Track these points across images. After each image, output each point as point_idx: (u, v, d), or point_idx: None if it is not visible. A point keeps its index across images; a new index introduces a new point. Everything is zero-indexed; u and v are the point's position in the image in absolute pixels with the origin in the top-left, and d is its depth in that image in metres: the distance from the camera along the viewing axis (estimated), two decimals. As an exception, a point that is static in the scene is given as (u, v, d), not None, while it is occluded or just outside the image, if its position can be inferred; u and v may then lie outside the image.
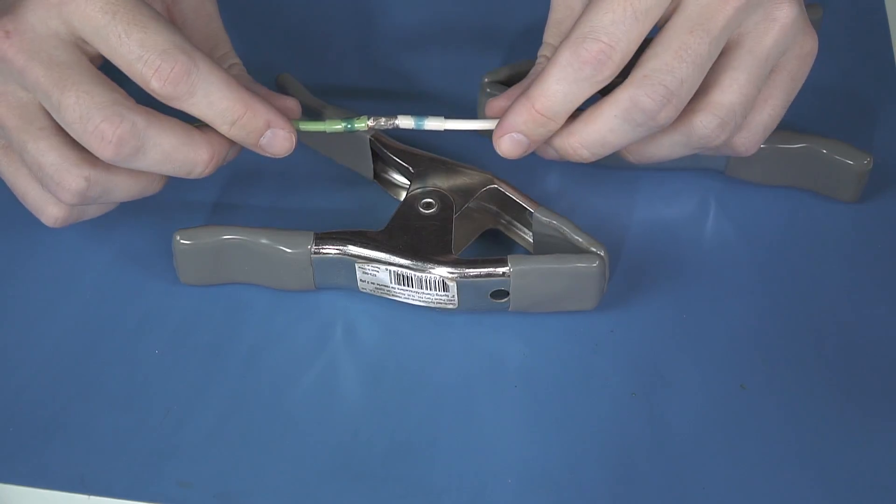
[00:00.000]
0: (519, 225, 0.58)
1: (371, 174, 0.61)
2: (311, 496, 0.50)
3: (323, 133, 0.61)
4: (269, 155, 0.53)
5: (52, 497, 0.50)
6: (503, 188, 0.57)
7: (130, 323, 0.56)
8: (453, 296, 0.54)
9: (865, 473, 0.50)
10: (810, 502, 0.50)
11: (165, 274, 0.57)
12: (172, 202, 0.60)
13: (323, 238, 0.55)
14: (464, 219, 0.58)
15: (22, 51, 0.50)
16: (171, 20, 0.56)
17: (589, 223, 0.56)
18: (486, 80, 0.62)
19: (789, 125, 0.60)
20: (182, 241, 0.55)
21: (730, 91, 0.52)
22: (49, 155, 0.51)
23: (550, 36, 0.57)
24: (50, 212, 0.53)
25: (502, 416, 0.52)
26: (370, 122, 0.55)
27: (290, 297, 0.56)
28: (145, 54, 0.49)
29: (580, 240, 0.54)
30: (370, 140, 0.59)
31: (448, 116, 0.55)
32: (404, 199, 0.57)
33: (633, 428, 0.52)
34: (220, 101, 0.51)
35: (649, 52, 0.51)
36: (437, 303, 0.55)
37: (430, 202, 0.56)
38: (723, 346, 0.55)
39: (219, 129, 0.52)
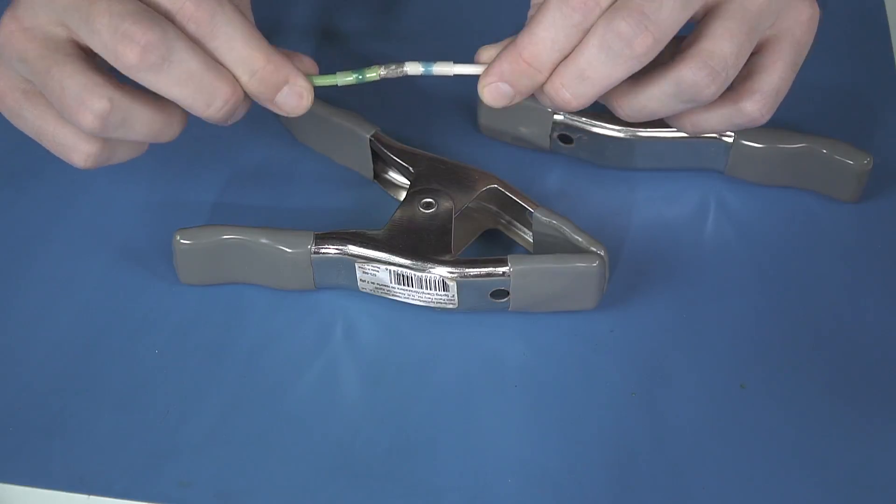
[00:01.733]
0: (519, 225, 0.58)
1: (371, 174, 0.61)
2: (311, 496, 0.50)
3: (323, 133, 0.61)
4: (282, 112, 0.52)
5: (52, 497, 0.50)
6: (503, 188, 0.57)
7: (130, 323, 0.56)
8: (453, 296, 0.54)
9: (865, 473, 0.50)
10: (810, 502, 0.50)
11: (165, 274, 0.57)
12: (172, 202, 0.60)
13: (323, 238, 0.55)
14: (464, 219, 0.58)
15: None
16: None
17: (589, 223, 0.56)
18: (486, 80, 0.61)
19: (789, 125, 0.60)
20: (182, 241, 0.55)
21: (720, 39, 0.50)
22: (74, 76, 0.49)
23: None
24: (81, 148, 0.52)
25: (502, 416, 0.52)
26: (381, 72, 0.53)
27: (290, 297, 0.56)
28: None
29: (580, 239, 0.54)
30: (370, 140, 0.59)
31: (456, 62, 0.53)
32: (404, 199, 0.57)
33: (633, 428, 0.52)
34: (242, 48, 0.50)
35: (700, 31, 0.50)
36: (437, 303, 0.55)
37: (430, 202, 0.56)
38: (723, 346, 0.55)
39: (239, 78, 0.51)
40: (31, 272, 0.58)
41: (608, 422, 0.52)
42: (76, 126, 0.50)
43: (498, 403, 0.53)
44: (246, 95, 0.52)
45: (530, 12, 0.55)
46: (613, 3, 0.50)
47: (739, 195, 0.61)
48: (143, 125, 0.51)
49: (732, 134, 0.59)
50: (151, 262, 0.58)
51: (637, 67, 0.50)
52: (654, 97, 0.52)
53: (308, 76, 0.53)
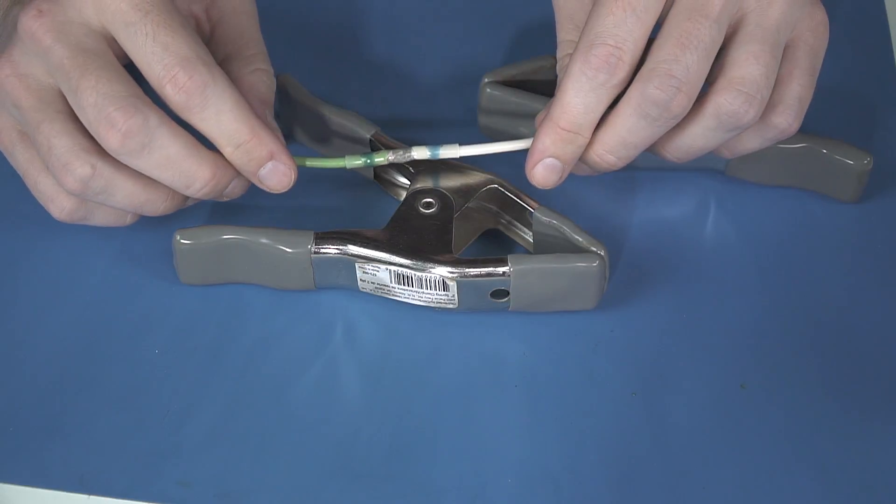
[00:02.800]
0: (519, 225, 0.58)
1: (371, 174, 0.61)
2: (311, 496, 0.50)
3: (323, 133, 0.61)
4: (266, 188, 0.53)
5: (52, 497, 0.50)
6: (503, 188, 0.57)
7: (130, 323, 0.56)
8: (453, 295, 0.54)
9: (865, 473, 0.50)
10: (810, 502, 0.50)
11: (165, 274, 0.57)
12: (172, 202, 0.60)
13: (323, 238, 0.55)
14: (464, 219, 0.58)
15: (51, 31, 0.50)
16: (209, 16, 0.57)
17: (589, 223, 0.56)
18: (486, 80, 0.62)
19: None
20: (182, 241, 0.55)
21: (746, 64, 0.51)
22: (62, 137, 0.51)
23: (565, 33, 0.56)
24: (59, 202, 0.53)
25: (502, 416, 0.52)
26: (390, 157, 0.55)
27: (290, 297, 0.56)
28: (167, 58, 0.49)
29: (580, 239, 0.54)
30: (370, 140, 0.59)
31: (462, 143, 0.55)
32: (404, 199, 0.57)
33: (633, 428, 0.52)
34: (229, 121, 0.51)
35: (653, 46, 0.51)
36: (438, 302, 0.55)
37: (430, 202, 0.56)
38: (723, 346, 0.55)
39: (222, 150, 0.52)
40: (31, 272, 0.58)
41: (608, 422, 0.52)
42: (60, 185, 0.52)
43: (498, 403, 0.53)
44: (234, 174, 0.53)
45: (558, 66, 0.56)
46: (640, 69, 0.51)
47: (739, 195, 0.61)
48: (125, 196, 0.52)
49: (732, 134, 0.59)
50: (151, 262, 0.58)
51: (674, 125, 0.52)
52: (698, 136, 0.53)
53: (315, 158, 0.55)
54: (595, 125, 0.52)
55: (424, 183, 0.57)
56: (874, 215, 0.60)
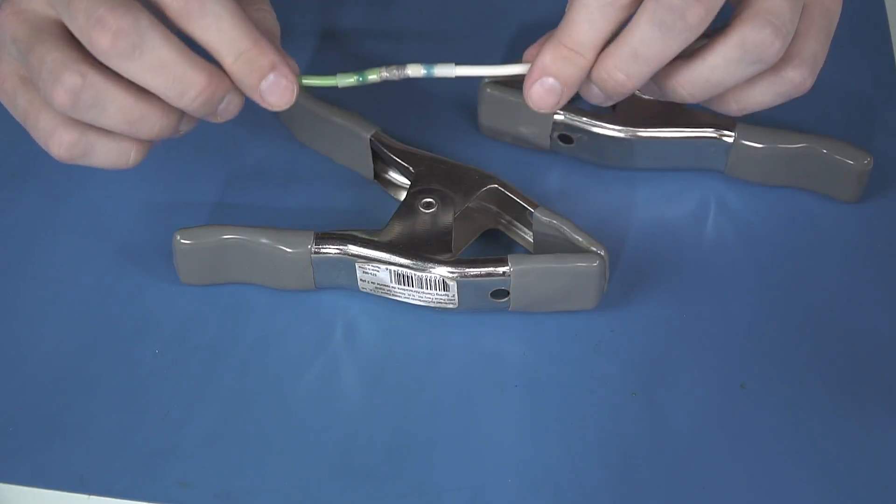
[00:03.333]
0: (519, 225, 0.58)
1: (371, 174, 0.61)
2: (311, 496, 0.50)
3: (323, 133, 0.61)
4: (266, 104, 0.51)
5: (52, 497, 0.50)
6: (503, 188, 0.57)
7: (130, 323, 0.56)
8: (453, 295, 0.54)
9: (865, 473, 0.50)
10: (810, 502, 0.50)
11: (165, 274, 0.57)
12: (172, 202, 0.60)
13: (323, 238, 0.55)
14: (464, 219, 0.58)
15: None
16: None
17: (589, 223, 0.56)
18: (487, 80, 0.62)
19: (789, 125, 0.60)
20: (182, 241, 0.55)
21: None
22: (51, 52, 0.49)
23: None
24: (59, 135, 0.51)
25: (502, 416, 0.52)
26: (383, 73, 0.52)
27: (290, 297, 0.56)
28: None
29: (580, 239, 0.54)
30: (370, 140, 0.59)
31: (458, 63, 0.52)
32: (404, 199, 0.57)
33: (633, 428, 0.52)
34: (229, 28, 0.49)
35: None
36: (438, 302, 0.55)
37: (430, 202, 0.56)
38: (723, 346, 0.55)
39: (222, 61, 0.50)
40: (31, 272, 0.58)
41: (608, 422, 0.52)
42: (51, 103, 0.50)
43: (498, 403, 0.53)
44: (236, 89, 0.51)
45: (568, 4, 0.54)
46: (739, 13, 0.49)
47: (739, 195, 0.61)
48: (118, 110, 0.50)
49: (733, 133, 0.59)
50: (151, 262, 0.58)
51: (691, 40, 0.49)
52: (719, 67, 0.51)
53: (307, 76, 0.52)
54: (600, 48, 0.50)
55: (424, 183, 0.57)
56: (874, 215, 0.60)
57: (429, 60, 0.53)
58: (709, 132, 0.59)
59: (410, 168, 0.58)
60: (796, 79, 0.52)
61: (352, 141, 0.60)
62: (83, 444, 0.51)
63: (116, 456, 0.51)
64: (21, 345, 0.55)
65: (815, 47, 0.52)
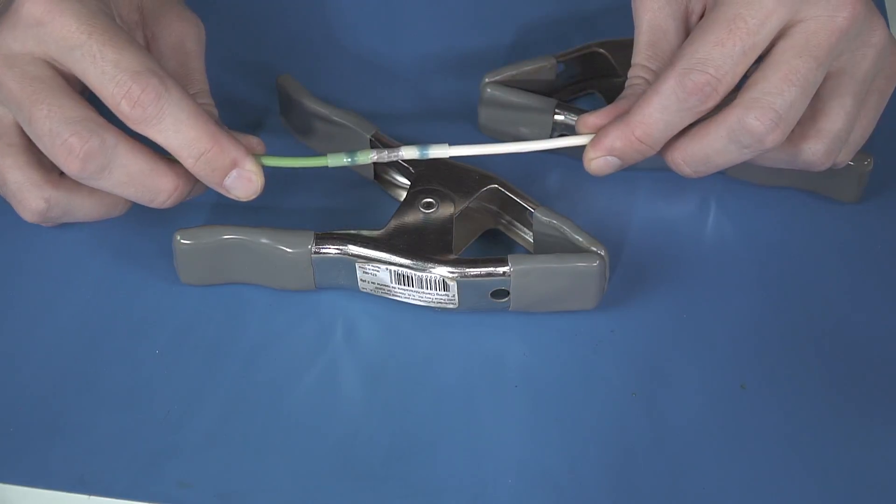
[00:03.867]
0: (519, 225, 0.58)
1: (371, 174, 0.61)
2: (311, 496, 0.50)
3: (323, 133, 0.61)
4: (232, 197, 0.53)
5: (52, 497, 0.50)
6: (503, 188, 0.57)
7: (130, 323, 0.56)
8: (454, 295, 0.54)
9: (865, 473, 0.50)
10: (810, 502, 0.50)
11: (165, 274, 0.57)
12: (172, 202, 0.60)
13: (323, 238, 0.55)
14: (464, 219, 0.58)
15: None
16: (149, 51, 0.56)
17: (589, 223, 0.56)
18: (487, 80, 0.62)
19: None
20: (182, 241, 0.55)
21: (838, 118, 0.52)
22: (13, 172, 0.52)
23: (643, 58, 0.56)
24: (26, 204, 0.53)
25: (502, 416, 0.52)
26: (373, 156, 0.54)
27: (290, 297, 0.56)
28: (118, 74, 0.49)
29: (580, 239, 0.54)
30: (370, 140, 0.59)
31: (451, 143, 0.54)
32: (404, 199, 0.57)
33: (633, 428, 0.52)
34: (187, 130, 0.50)
35: (758, 76, 0.51)
36: (438, 302, 0.55)
37: (430, 202, 0.56)
38: (723, 346, 0.55)
39: (184, 163, 0.51)
40: (31, 272, 0.58)
41: (608, 422, 0.52)
42: (18, 213, 0.53)
43: (498, 403, 0.53)
44: (197, 180, 0.53)
45: (631, 81, 0.56)
46: (741, 95, 0.51)
47: (739, 195, 0.61)
48: (86, 213, 0.54)
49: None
50: (151, 262, 0.58)
51: (761, 154, 0.52)
52: (768, 161, 0.54)
53: (296, 158, 0.54)
54: (666, 140, 0.53)
55: (424, 183, 0.57)
56: (874, 215, 0.60)
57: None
58: (709, 132, 0.59)
59: (410, 168, 0.58)
60: (811, 157, 0.54)
61: (352, 141, 0.60)
62: (83, 444, 0.51)
63: (116, 456, 0.51)
64: (21, 345, 0.55)
65: (860, 140, 0.55)
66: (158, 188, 0.52)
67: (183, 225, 0.55)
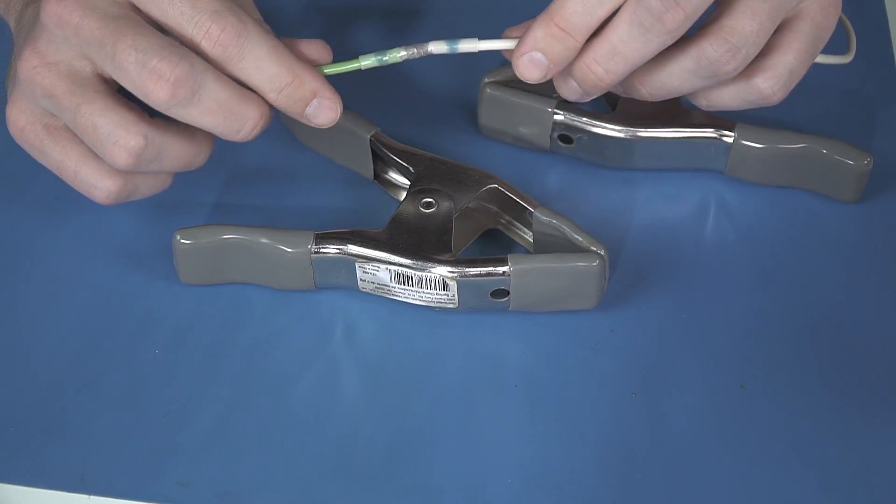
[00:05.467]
0: (519, 224, 0.58)
1: (371, 174, 0.61)
2: (311, 496, 0.50)
3: (323, 133, 0.61)
4: (313, 125, 0.53)
5: (52, 497, 0.50)
6: (503, 188, 0.57)
7: (130, 323, 0.56)
8: (453, 295, 0.54)
9: (865, 473, 0.50)
10: (810, 502, 0.50)
11: (165, 274, 0.57)
12: (172, 202, 0.60)
13: (323, 237, 0.55)
14: (464, 219, 0.58)
15: (77, 9, 0.49)
16: None
17: (589, 223, 0.56)
18: (487, 80, 0.62)
19: (789, 125, 0.60)
20: (182, 241, 0.55)
21: (742, 16, 0.51)
22: (106, 114, 0.50)
23: None
24: (104, 185, 0.52)
25: (502, 416, 0.52)
26: (402, 53, 0.54)
27: (290, 297, 0.56)
28: (196, 15, 0.49)
29: (580, 239, 0.54)
30: (370, 140, 0.59)
31: (481, 38, 0.53)
32: (404, 199, 0.57)
33: (633, 428, 0.52)
34: (269, 66, 0.50)
35: (721, 9, 0.50)
36: (438, 302, 0.55)
37: (430, 202, 0.56)
38: (723, 346, 0.55)
39: (265, 96, 0.51)
40: (32, 272, 0.58)
41: (608, 422, 0.52)
42: (109, 162, 0.51)
43: (498, 403, 0.53)
44: (272, 110, 0.52)
45: None
46: (704, 27, 0.50)
47: (739, 195, 0.61)
48: (175, 157, 0.52)
49: (733, 134, 0.59)
50: (151, 262, 0.58)
51: (668, 43, 0.50)
52: (675, 74, 0.52)
53: (330, 65, 0.53)
54: (589, 33, 0.51)
55: (424, 183, 0.57)
56: (874, 215, 0.60)
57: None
58: (709, 132, 0.59)
59: (410, 168, 0.58)
60: (766, 91, 0.53)
61: (352, 141, 0.60)
62: (83, 444, 0.51)
63: (116, 456, 0.51)
64: (21, 345, 0.55)
65: (794, 63, 0.53)
66: (246, 115, 0.51)
67: (183, 225, 0.55)
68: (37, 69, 0.51)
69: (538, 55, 0.52)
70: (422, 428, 0.52)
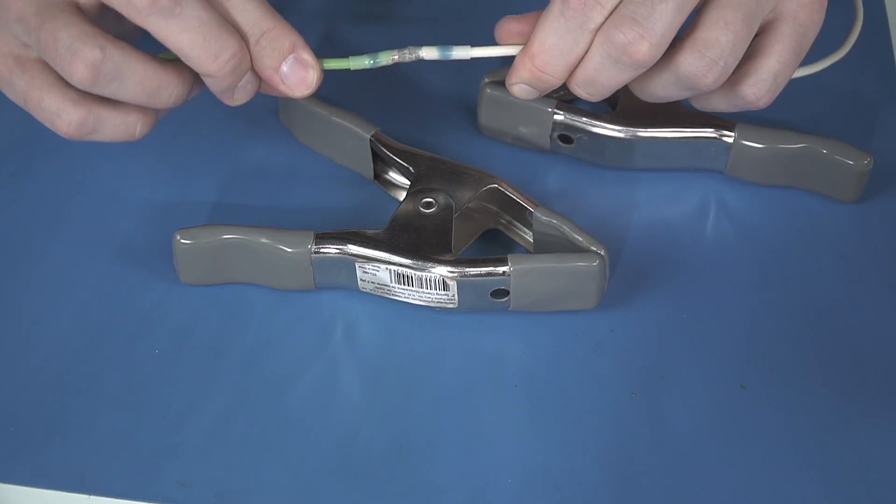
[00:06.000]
0: (519, 224, 0.58)
1: (371, 174, 0.61)
2: (311, 496, 0.50)
3: (323, 133, 0.61)
4: (287, 90, 0.52)
5: (52, 497, 0.50)
6: (503, 188, 0.57)
7: (130, 323, 0.56)
8: (453, 295, 0.54)
9: (865, 473, 0.50)
10: (810, 502, 0.50)
11: (165, 274, 0.57)
12: (172, 202, 0.60)
13: (323, 237, 0.55)
14: (464, 219, 0.58)
15: None
16: None
17: (589, 223, 0.56)
18: (487, 80, 0.62)
19: (789, 125, 0.60)
20: (182, 241, 0.55)
21: (716, 28, 0.50)
22: (67, 28, 0.49)
23: None
24: (67, 114, 0.51)
25: (502, 416, 0.52)
26: (395, 56, 0.53)
27: (290, 297, 0.56)
28: None
29: (580, 239, 0.54)
30: (370, 140, 0.59)
31: (474, 45, 0.54)
32: (404, 199, 0.57)
33: (633, 428, 0.52)
34: (254, 9, 0.50)
35: (696, 23, 0.50)
36: (438, 302, 0.55)
37: (430, 202, 0.56)
38: (723, 346, 0.55)
39: (246, 40, 0.50)
40: (31, 272, 0.58)
41: (608, 422, 0.52)
42: (67, 77, 0.49)
43: (498, 403, 0.53)
44: (251, 72, 0.51)
45: None
46: (681, 40, 0.50)
47: (739, 195, 0.61)
48: (137, 82, 0.50)
49: (733, 134, 0.59)
50: (151, 262, 0.58)
51: (641, 71, 0.51)
52: (659, 85, 0.53)
53: (319, 60, 0.52)
54: (570, 69, 0.52)
55: (424, 183, 0.57)
56: (874, 215, 0.60)
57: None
58: (709, 132, 0.59)
59: (410, 168, 0.58)
60: (750, 97, 0.53)
61: (352, 141, 0.60)
62: (83, 444, 0.51)
63: (116, 456, 0.51)
64: (21, 345, 0.55)
65: (777, 66, 0.52)
66: (225, 42, 0.49)
67: (183, 225, 0.55)
68: None
69: (526, 87, 0.53)
70: (422, 428, 0.52)
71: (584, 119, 0.60)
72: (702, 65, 0.50)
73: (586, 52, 0.51)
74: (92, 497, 0.50)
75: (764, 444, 0.51)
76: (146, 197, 0.61)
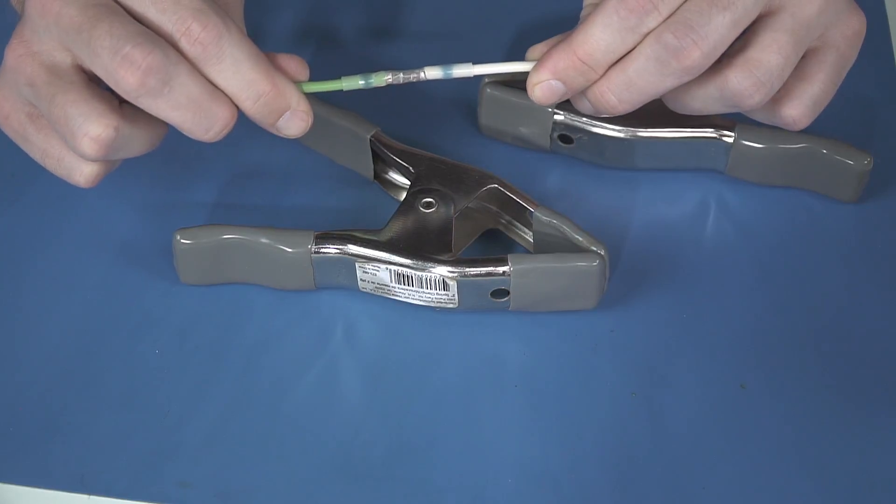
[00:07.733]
0: (519, 224, 0.58)
1: (371, 174, 0.61)
2: (311, 496, 0.50)
3: (323, 133, 0.61)
4: (281, 135, 0.52)
5: (52, 497, 0.50)
6: (503, 188, 0.57)
7: (130, 323, 0.56)
8: (454, 295, 0.54)
9: (865, 473, 0.50)
10: (810, 502, 0.50)
11: (165, 274, 0.57)
12: (172, 202, 0.60)
13: (323, 237, 0.55)
14: (464, 219, 0.58)
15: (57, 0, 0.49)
16: None
17: (589, 223, 0.56)
18: (487, 80, 0.62)
19: (789, 125, 0.60)
20: (182, 241, 0.55)
21: (769, 50, 0.51)
22: (77, 105, 0.49)
23: None
24: (81, 170, 0.52)
25: (502, 416, 0.52)
26: (388, 78, 0.53)
27: (290, 297, 0.56)
28: (179, 11, 0.48)
29: (580, 239, 0.54)
30: (370, 140, 0.59)
31: (476, 62, 0.53)
32: (404, 199, 0.57)
33: (633, 428, 0.52)
34: (248, 72, 0.50)
35: (745, 41, 0.51)
36: (438, 302, 0.55)
37: (430, 202, 0.56)
38: (723, 346, 0.55)
39: (242, 104, 0.50)
40: (31, 272, 0.58)
41: (608, 422, 0.52)
42: (78, 154, 0.50)
43: (498, 403, 0.53)
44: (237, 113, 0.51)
45: (583, 13, 0.56)
46: (728, 57, 0.51)
47: (739, 195, 0.61)
48: (142, 144, 0.51)
49: (733, 133, 0.59)
50: (151, 262, 0.58)
51: (684, 80, 0.51)
52: (698, 97, 0.53)
53: (311, 83, 0.53)
54: (609, 66, 0.51)
55: (424, 183, 0.57)
56: (874, 215, 0.60)
57: (428, 62, 0.53)
58: (709, 132, 0.59)
59: (410, 168, 0.58)
60: (789, 118, 0.54)
61: (352, 141, 0.60)
62: (83, 444, 0.51)
63: (116, 456, 0.51)
64: (21, 345, 0.55)
65: (818, 93, 0.54)
66: (216, 116, 0.50)
67: (183, 225, 0.55)
68: (21, 58, 0.50)
69: (557, 83, 0.52)
70: (421, 428, 0.52)
71: (584, 119, 0.60)
72: (749, 84, 0.51)
73: (628, 56, 0.51)
74: (92, 497, 0.50)
75: (764, 443, 0.51)
76: (146, 197, 0.61)
